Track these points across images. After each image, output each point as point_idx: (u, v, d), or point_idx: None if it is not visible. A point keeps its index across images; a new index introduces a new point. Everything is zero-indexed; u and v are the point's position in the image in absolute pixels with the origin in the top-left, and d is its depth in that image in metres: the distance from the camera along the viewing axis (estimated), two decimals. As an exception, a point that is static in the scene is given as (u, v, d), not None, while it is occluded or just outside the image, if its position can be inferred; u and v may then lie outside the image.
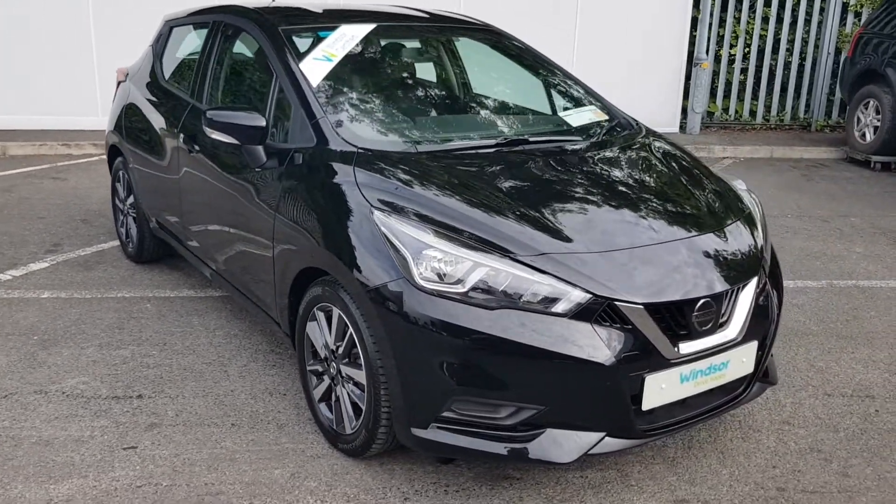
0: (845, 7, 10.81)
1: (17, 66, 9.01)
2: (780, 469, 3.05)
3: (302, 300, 3.12)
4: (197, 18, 4.51)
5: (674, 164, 3.46)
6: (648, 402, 2.65)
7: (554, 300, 2.56)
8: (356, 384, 2.87)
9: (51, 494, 2.77)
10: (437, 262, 2.60)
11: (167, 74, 4.68)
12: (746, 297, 2.88)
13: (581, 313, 2.55)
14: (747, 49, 10.87)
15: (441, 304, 2.55)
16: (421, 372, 2.62)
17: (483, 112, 4.12)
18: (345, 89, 3.53)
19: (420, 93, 3.84)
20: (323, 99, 3.33)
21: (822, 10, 10.74)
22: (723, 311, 2.79)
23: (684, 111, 10.64)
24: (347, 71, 3.62)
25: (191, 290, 4.73)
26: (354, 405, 2.92)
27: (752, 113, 11.12)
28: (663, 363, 2.63)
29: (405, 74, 3.95)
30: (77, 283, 4.79)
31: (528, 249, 2.64)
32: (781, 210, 7.12)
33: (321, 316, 3.01)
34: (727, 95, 11.08)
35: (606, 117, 3.85)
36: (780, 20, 10.77)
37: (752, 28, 10.79)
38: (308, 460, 3.01)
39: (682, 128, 10.65)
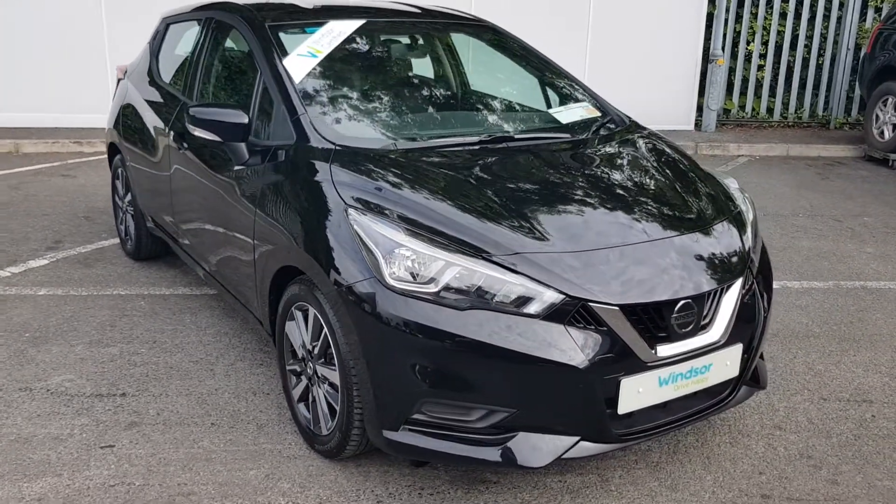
0: (865, 2, 10.60)
1: (31, 65, 9.10)
2: (767, 475, 2.96)
3: (281, 299, 3.08)
4: (191, 15, 4.50)
5: (662, 163, 3.38)
6: (624, 406, 2.58)
7: (526, 301, 2.50)
8: (331, 385, 2.84)
9: (23, 493, 2.76)
10: (409, 262, 2.55)
11: (162, 72, 4.67)
12: (731, 299, 2.80)
13: (554, 314, 2.49)
14: (764, 45, 10.69)
15: (411, 304, 2.50)
16: (390, 373, 2.57)
17: (469, 109, 4.06)
18: (328, 86, 3.50)
19: (405, 90, 3.79)
20: (304, 95, 3.29)
21: (841, 5, 10.54)
22: (705, 313, 2.72)
23: (700, 108, 10.50)
24: (332, 67, 3.58)
25: (186, 287, 4.72)
26: (330, 406, 2.88)
27: (770, 110, 10.95)
28: (640, 366, 2.56)
29: (391, 71, 3.91)
30: (75, 280, 4.80)
31: (501, 249, 2.58)
32: (793, 209, 6.98)
33: (299, 315, 2.98)
34: (744, 92, 10.91)
35: (598, 114, 3.78)
36: (798, 15, 10.59)
37: (770, 24, 10.61)
38: (284, 461, 2.98)
39: (698, 125, 10.51)
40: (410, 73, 4.00)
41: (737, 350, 2.82)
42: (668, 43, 10.13)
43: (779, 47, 10.73)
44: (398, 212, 2.70)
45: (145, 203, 4.71)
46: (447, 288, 2.52)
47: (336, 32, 3.65)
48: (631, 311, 2.55)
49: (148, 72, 4.79)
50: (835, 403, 3.52)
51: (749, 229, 3.11)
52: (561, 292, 2.51)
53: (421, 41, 4.20)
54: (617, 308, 2.53)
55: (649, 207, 2.95)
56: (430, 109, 3.66)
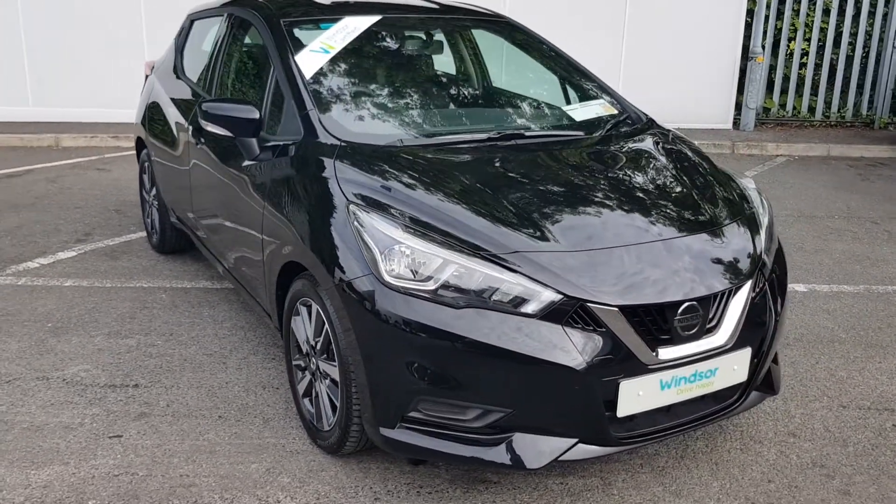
0: (913, -2, 10.29)
1: (72, 61, 9.32)
2: (776, 484, 2.89)
3: (287, 294, 3.09)
4: (213, 12, 4.55)
5: (675, 162, 3.31)
6: (624, 409, 2.53)
7: (524, 300, 2.47)
8: (332, 381, 2.84)
9: (30, 479, 2.82)
10: (407, 259, 2.54)
11: (186, 68, 4.73)
12: (739, 302, 2.72)
13: (551, 314, 2.45)
14: (807, 42, 10.44)
15: (408, 301, 2.49)
16: (387, 370, 2.56)
17: (481, 105, 4.02)
18: (338, 82, 3.50)
19: (416, 86, 3.78)
20: (314, 91, 3.30)
21: (887, 1, 10.24)
22: (711, 316, 2.65)
23: (738, 107, 10.30)
24: (344, 63, 3.58)
25: (208, 281, 4.78)
26: (331, 401, 2.88)
27: (812, 109, 10.69)
28: (640, 369, 2.51)
29: (404, 67, 3.89)
30: (100, 272, 4.89)
31: (501, 247, 2.56)
32: (828, 211, 6.80)
33: (304, 311, 2.99)
34: (785, 91, 10.67)
35: (615, 112, 3.72)
36: (841, 12, 10.32)
37: (812, 20, 10.35)
38: (286, 455, 2.99)
39: (736, 124, 10.31)
40: (423, 70, 3.98)
41: (745, 354, 2.74)
42: (706, 39, 9.95)
43: (821, 45, 10.46)
44: (399, 209, 2.68)
45: (169, 198, 4.78)
46: (445, 286, 2.50)
47: (350, 28, 3.65)
48: (632, 313, 2.50)
49: (173, 68, 4.85)
50: (854, 411, 3.41)
51: (763, 231, 3.02)
52: (559, 292, 2.47)
53: (436, 37, 4.18)
54: (616, 309, 2.48)
55: (657, 207, 2.89)
56: (441, 106, 3.63)
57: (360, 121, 3.33)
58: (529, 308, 2.46)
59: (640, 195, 2.96)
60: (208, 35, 4.69)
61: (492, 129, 3.39)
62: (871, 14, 10.33)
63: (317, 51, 3.46)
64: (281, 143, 3.24)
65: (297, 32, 3.62)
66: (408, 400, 2.54)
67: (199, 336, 4.02)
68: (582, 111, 3.66)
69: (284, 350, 3.25)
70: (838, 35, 10.43)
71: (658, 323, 2.55)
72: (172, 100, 4.60)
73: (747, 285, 2.76)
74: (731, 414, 2.85)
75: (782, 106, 10.68)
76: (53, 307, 4.34)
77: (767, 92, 10.60)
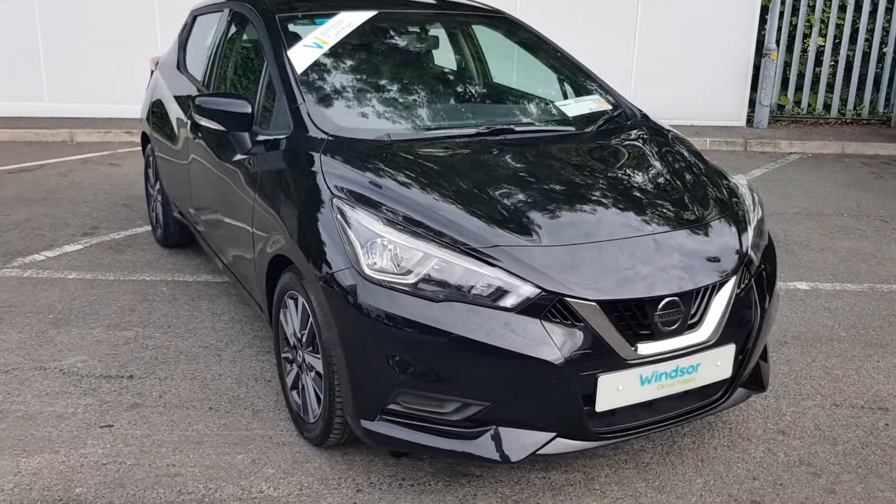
0: (932, -6, 10.15)
1: (87, 57, 9.42)
2: (761, 481, 2.87)
3: (276, 288, 3.12)
4: (215, 7, 4.58)
5: (664, 157, 3.29)
6: (603, 404, 2.53)
7: (502, 294, 2.47)
8: (317, 373, 2.86)
9: (20, 467, 2.87)
10: (389, 252, 2.55)
11: (187, 64, 4.77)
12: (723, 298, 2.71)
13: (529, 308, 2.46)
14: (822, 38, 10.32)
15: (387, 294, 2.50)
16: (367, 362, 2.58)
17: (472, 100, 4.02)
18: (330, 76, 3.51)
19: (407, 81, 3.78)
20: (305, 85, 3.32)
21: (905, -3, 10.11)
22: (693, 312, 2.64)
23: (752, 104, 10.21)
24: (337, 58, 3.60)
25: (209, 275, 4.82)
26: (316, 394, 2.90)
27: (827, 106, 10.57)
28: (619, 363, 2.51)
29: (396, 62, 3.90)
30: (104, 265, 4.95)
31: (482, 241, 2.56)
32: (838, 209, 6.73)
33: (291, 304, 3.01)
34: (800, 88, 10.56)
35: (609, 107, 3.70)
36: (858, 8, 10.19)
37: (828, 16, 10.24)
38: (272, 447, 3.02)
39: (749, 121, 10.22)
40: (415, 65, 3.98)
41: (729, 351, 2.73)
42: (719, 36, 9.88)
43: (837, 41, 10.34)
44: (383, 203, 2.70)
45: (171, 192, 4.83)
46: (425, 279, 2.51)
47: (345, 24, 3.66)
48: (611, 308, 2.50)
49: (176, 63, 4.90)
50: (847, 410, 3.39)
51: (751, 228, 3.00)
52: (538, 286, 2.47)
53: (431, 33, 4.18)
54: (595, 304, 2.48)
55: (641, 203, 2.88)
56: (432, 102, 3.63)
57: (349, 115, 3.35)
58: (508, 302, 2.47)
59: (626, 191, 2.95)
60: (210, 30, 4.73)
61: (481, 124, 3.40)
62: (889, 10, 10.20)
63: (310, 46, 3.49)
64: (272, 137, 3.26)
65: (292, 27, 3.65)
66: (388, 392, 2.56)
67: (197, 329, 4.07)
68: (575, 106, 3.66)
69: (273, 343, 3.28)
70: (854, 31, 10.30)
71: (638, 318, 2.55)
72: (174, 95, 4.64)
73: (731, 282, 2.74)
74: (716, 410, 2.84)
75: (797, 103, 10.58)
76: (56, 299, 4.40)
77: (782, 89, 10.50)
